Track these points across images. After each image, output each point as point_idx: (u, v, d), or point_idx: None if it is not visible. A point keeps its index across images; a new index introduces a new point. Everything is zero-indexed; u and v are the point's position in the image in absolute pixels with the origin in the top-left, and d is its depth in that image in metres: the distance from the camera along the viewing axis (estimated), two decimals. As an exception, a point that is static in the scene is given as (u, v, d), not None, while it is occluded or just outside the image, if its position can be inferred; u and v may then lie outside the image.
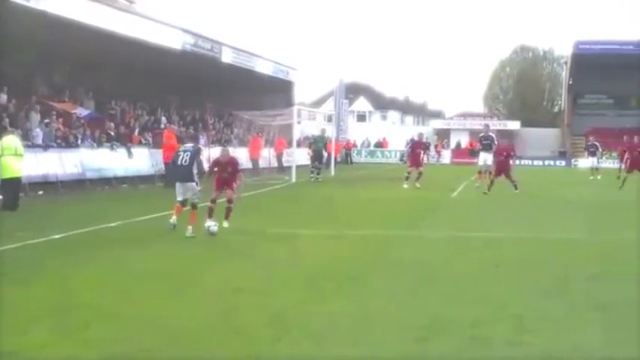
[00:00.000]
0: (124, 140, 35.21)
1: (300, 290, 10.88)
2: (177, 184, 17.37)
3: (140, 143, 37.24)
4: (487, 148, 32.33)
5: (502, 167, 28.22)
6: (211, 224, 16.74)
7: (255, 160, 43.38)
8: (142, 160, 34.96)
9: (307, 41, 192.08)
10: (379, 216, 21.70)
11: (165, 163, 32.37)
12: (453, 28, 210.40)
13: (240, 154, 42.92)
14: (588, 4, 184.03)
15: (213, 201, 17.58)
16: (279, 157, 47.42)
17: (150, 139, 38.36)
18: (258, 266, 13.00)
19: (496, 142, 32.47)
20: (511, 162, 29.15)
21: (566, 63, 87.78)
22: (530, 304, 10.12)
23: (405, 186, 32.53)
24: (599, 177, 40.60)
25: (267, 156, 46.78)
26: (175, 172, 17.78)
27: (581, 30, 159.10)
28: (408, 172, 33.71)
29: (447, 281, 11.74)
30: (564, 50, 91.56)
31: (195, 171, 17.10)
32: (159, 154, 33.80)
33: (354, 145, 74.50)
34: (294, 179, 37.21)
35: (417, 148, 34.66)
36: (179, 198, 17.24)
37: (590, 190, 33.29)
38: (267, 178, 37.90)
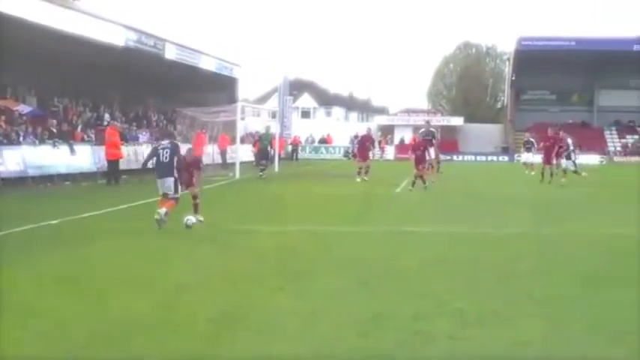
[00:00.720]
0: (67, 137, 34.90)
1: (244, 286, 10.86)
2: (158, 181, 17.54)
3: (83, 140, 37.00)
4: (428, 143, 33.09)
5: (418, 162, 28.48)
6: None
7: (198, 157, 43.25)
8: (84, 158, 34.66)
9: (251, 38, 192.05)
10: (324, 212, 21.79)
11: (108, 161, 32.23)
12: (397, 24, 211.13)
13: (184, 152, 42.90)
14: (531, 0, 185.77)
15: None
16: (222, 154, 47.39)
17: (92, 136, 38.13)
18: (202, 263, 12.99)
19: (438, 137, 33.35)
20: (428, 157, 29.79)
21: (509, 59, 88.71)
22: (472, 299, 10.18)
23: (358, 180, 33.22)
24: (532, 172, 41.16)
25: (210, 152, 46.71)
26: (158, 169, 17.71)
27: (524, 26, 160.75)
28: (360, 167, 34.43)
29: (390, 276, 11.78)
30: (507, 46, 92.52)
31: (175, 166, 17.40)
32: (101, 151, 33.63)
33: (300, 142, 74.53)
34: (237, 176, 37.18)
35: (366, 142, 35.62)
36: (161, 192, 17.48)
37: (528, 186, 33.72)
38: (211, 174, 37.78)
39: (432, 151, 33.60)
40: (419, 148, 29.55)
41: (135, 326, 8.56)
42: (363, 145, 36.37)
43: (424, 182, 28.34)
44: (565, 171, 33.69)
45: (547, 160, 35.70)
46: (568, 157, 33.59)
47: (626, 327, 8.72)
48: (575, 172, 33.39)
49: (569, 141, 35.05)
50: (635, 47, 76.05)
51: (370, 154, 36.16)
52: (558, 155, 34.53)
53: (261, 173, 37.11)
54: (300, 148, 72.55)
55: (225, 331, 8.51)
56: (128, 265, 12.72)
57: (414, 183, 28.28)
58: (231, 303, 9.79)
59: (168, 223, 16.71)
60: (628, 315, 9.30)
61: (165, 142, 18.20)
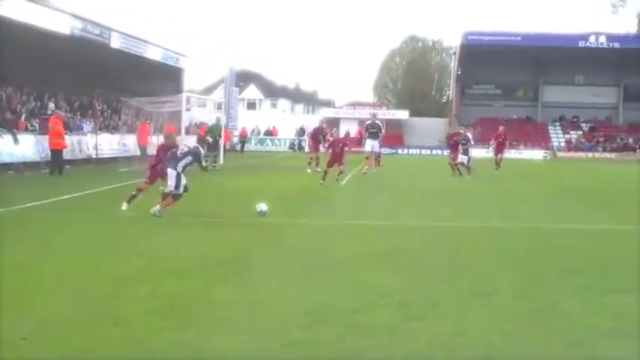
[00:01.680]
0: (10, 126, 34.50)
1: (187, 278, 10.79)
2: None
3: (27, 129, 36.58)
4: (373, 135, 33.63)
5: (336, 158, 28.61)
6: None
7: (143, 147, 42.90)
8: (28, 147, 34.27)
9: (198, 28, 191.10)
10: (269, 204, 21.80)
11: (52, 150, 31.92)
12: (344, 17, 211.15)
13: (129, 141, 42.74)
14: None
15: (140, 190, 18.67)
16: (166, 144, 47.05)
17: (37, 125, 37.75)
18: (145, 254, 12.81)
19: (382, 131, 34.03)
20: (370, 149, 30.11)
21: (454, 53, 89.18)
22: (415, 291, 10.26)
23: (309, 170, 33.55)
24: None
25: (155, 143, 46.32)
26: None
27: (470, 21, 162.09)
28: (310, 158, 34.92)
29: (332, 268, 11.82)
30: (453, 41, 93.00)
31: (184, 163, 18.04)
32: (45, 140, 33.29)
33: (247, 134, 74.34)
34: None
35: (318, 134, 36.27)
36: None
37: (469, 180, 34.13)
38: (155, 165, 37.58)
39: (376, 143, 34.21)
40: (338, 144, 29.54)
41: (74, 320, 8.47)
42: (315, 137, 37.20)
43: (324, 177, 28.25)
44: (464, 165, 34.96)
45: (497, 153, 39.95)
46: (465, 153, 34.73)
47: (565, 321, 8.93)
48: (467, 167, 34.61)
49: (469, 136, 37.29)
50: (580, 43, 76.99)
51: (320, 147, 36.43)
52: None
53: (214, 164, 36.99)
54: (247, 140, 72.27)
55: (167, 322, 8.44)
56: (70, 256, 12.53)
57: (324, 177, 28.06)
58: (173, 294, 9.74)
59: (113, 212, 16.72)
60: (568, 308, 9.51)
61: (193, 146, 19.64)
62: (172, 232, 15.59)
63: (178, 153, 18.10)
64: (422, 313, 9.11)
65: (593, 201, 24.97)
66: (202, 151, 19.48)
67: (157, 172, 18.86)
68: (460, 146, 34.66)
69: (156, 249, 13.42)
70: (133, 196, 18.44)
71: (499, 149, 40.70)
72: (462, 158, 34.56)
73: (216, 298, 9.70)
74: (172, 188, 17.65)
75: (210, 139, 37.84)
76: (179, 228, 16.20)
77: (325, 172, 28.30)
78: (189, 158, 18.17)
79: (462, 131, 38.97)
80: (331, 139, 33.64)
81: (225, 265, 11.95)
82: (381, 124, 35.93)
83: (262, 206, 17.95)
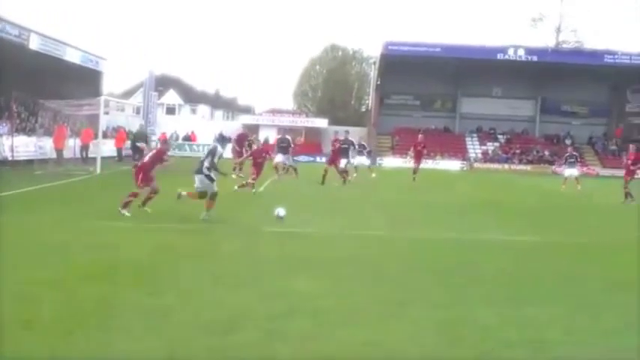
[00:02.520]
0: None
1: (99, 282, 10.71)
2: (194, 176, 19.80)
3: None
4: (283, 150, 34.64)
5: (259, 169, 28.81)
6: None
7: (59, 151, 42.42)
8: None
9: (118, 32, 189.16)
10: (184, 209, 21.70)
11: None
12: (265, 24, 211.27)
13: (46, 144, 42.19)
14: (398, 6, 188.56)
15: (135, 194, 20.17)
16: (84, 148, 46.56)
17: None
18: (57, 259, 12.71)
19: (292, 145, 35.10)
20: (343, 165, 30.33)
21: (374, 63, 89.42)
22: (333, 299, 10.35)
23: (234, 176, 33.63)
24: (373, 175, 43.52)
25: (72, 146, 45.92)
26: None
27: (391, 31, 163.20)
28: (235, 164, 35.21)
29: (247, 275, 11.88)
30: (374, 51, 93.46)
31: (206, 164, 19.47)
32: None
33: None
34: (98, 171, 36.67)
35: (242, 140, 36.85)
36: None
37: (396, 189, 34.45)
38: (71, 169, 37.31)
39: (286, 157, 34.92)
40: (260, 155, 29.61)
41: None
42: (240, 142, 37.80)
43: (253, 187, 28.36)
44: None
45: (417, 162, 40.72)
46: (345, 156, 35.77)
47: (477, 332, 9.14)
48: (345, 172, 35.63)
49: (352, 140, 38.96)
50: (499, 56, 77.86)
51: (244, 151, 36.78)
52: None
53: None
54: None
55: (77, 327, 8.40)
56: None
57: (244, 185, 28.19)
58: (85, 299, 9.69)
59: (27, 216, 16.64)
60: (481, 319, 9.73)
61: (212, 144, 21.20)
62: (86, 237, 15.37)
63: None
64: (337, 321, 9.18)
65: (506, 212, 25.44)
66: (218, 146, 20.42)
67: (149, 177, 20.40)
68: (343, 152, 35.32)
69: (62, 254, 13.26)
70: (128, 203, 19.58)
71: (418, 158, 41.16)
72: (342, 162, 35.10)
73: (128, 303, 9.65)
74: (202, 189, 19.49)
75: (138, 145, 37.63)
76: (94, 233, 15.99)
77: (254, 180, 28.39)
78: (209, 158, 19.47)
79: (341, 137, 38.25)
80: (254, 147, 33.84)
81: (139, 270, 11.92)
82: (290, 139, 36.69)
83: (281, 211, 19.00)
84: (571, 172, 40.08)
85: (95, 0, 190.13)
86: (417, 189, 34.65)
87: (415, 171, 40.18)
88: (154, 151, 21.75)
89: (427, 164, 48.45)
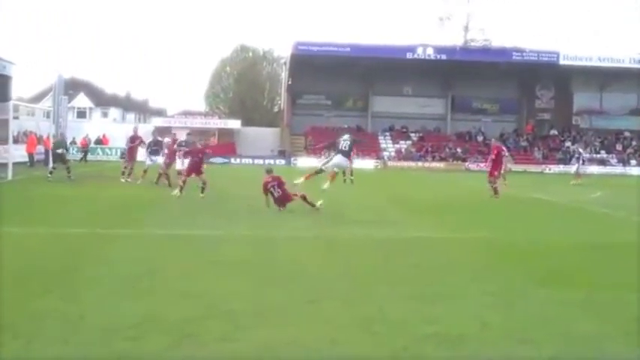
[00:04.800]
0: None
1: (7, 289, 10.38)
2: (340, 159, 24.31)
3: None
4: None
5: (194, 168, 27.96)
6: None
7: (-32, 156, 41.48)
8: None
9: (25, 36, 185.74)
10: (100, 213, 21.24)
11: None
12: (175, 25, 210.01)
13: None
14: (308, 5, 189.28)
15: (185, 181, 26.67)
16: (-9, 155, 45.51)
17: None
18: None
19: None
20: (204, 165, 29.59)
21: (285, 63, 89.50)
22: (245, 300, 10.19)
23: (122, 180, 33.19)
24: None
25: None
26: (341, 153, 24.36)
27: (300, 31, 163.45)
28: (125, 167, 34.56)
29: (159, 278, 11.68)
30: (284, 51, 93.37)
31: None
32: None
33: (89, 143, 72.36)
34: (10, 177, 35.65)
35: (135, 142, 35.83)
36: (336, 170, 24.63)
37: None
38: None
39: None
40: (197, 155, 28.84)
41: None
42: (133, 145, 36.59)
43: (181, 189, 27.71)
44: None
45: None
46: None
47: (391, 328, 9.07)
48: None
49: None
50: (408, 55, 78.43)
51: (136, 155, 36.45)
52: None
53: (69, 175, 35.77)
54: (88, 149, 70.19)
55: None
56: None
57: (182, 189, 27.41)
58: None
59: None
60: (394, 315, 9.69)
61: (347, 136, 25.20)
62: None
63: None
64: (250, 322, 9.05)
65: (418, 209, 25.46)
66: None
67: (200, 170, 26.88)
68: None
69: None
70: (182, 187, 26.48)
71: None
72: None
73: (37, 309, 9.36)
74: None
75: (59, 152, 36.55)
76: (6, 240, 15.40)
77: (184, 182, 27.53)
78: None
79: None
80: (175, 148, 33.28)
81: (48, 276, 11.57)
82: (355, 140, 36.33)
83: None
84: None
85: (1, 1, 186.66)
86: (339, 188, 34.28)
87: (345, 172, 39.40)
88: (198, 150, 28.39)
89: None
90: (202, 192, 27.07)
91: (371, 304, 10.19)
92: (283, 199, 22.95)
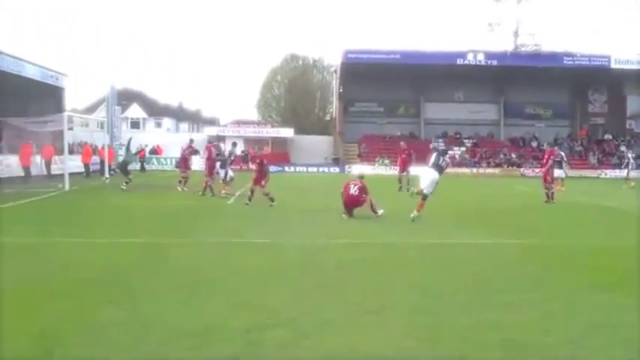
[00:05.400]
0: None
1: (70, 299, 10.50)
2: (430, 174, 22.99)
3: None
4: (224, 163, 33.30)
5: (262, 176, 27.85)
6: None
7: (26, 168, 41.82)
8: None
9: (78, 47, 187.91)
10: (155, 224, 21.28)
11: None
12: (226, 35, 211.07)
13: (12, 162, 41.37)
14: (357, 14, 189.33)
15: (252, 191, 27.58)
16: (47, 165, 45.86)
17: None
18: (22, 276, 12.47)
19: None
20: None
21: (335, 72, 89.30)
22: (306, 309, 10.22)
23: (179, 189, 33.97)
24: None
25: (39, 163, 45.25)
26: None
27: (350, 39, 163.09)
28: (182, 177, 35.69)
29: (220, 287, 11.71)
30: (334, 59, 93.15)
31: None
32: None
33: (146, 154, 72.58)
34: (67, 187, 35.85)
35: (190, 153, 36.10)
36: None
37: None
38: (39, 185, 36.55)
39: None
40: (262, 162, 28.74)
41: None
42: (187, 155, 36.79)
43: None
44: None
45: (402, 170, 40.05)
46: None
47: (454, 336, 9.09)
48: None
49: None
50: (459, 61, 77.90)
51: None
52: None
53: (123, 186, 36.10)
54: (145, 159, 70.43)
55: (55, 346, 8.24)
56: None
57: (250, 198, 27.66)
58: (57, 317, 9.51)
59: None
60: (457, 323, 9.68)
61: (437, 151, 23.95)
62: (47, 252, 15.22)
63: None
64: (313, 331, 9.12)
65: (474, 216, 25.34)
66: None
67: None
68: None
69: (33, 271, 13.06)
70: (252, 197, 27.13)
71: (404, 166, 40.04)
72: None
73: (99, 319, 9.50)
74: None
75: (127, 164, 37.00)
76: (57, 249, 15.75)
77: (252, 192, 27.85)
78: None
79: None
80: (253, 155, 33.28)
81: (109, 285, 11.73)
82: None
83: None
84: (558, 173, 39.44)
85: (54, 16, 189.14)
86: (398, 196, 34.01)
87: (401, 180, 39.32)
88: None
89: (394, 171, 47.95)
90: (272, 201, 27.36)
91: (431, 312, 10.21)
92: (354, 200, 23.29)
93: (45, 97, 53.42)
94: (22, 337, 8.48)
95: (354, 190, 23.34)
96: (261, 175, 27.83)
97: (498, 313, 10.17)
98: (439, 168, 23.07)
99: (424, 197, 22.73)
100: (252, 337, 8.68)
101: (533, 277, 13.25)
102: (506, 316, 10.02)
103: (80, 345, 8.23)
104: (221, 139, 68.63)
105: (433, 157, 23.35)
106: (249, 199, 27.65)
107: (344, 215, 22.94)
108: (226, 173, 32.45)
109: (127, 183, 35.13)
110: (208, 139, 35.74)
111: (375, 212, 23.28)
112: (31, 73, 52.80)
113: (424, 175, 23.13)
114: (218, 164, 32.80)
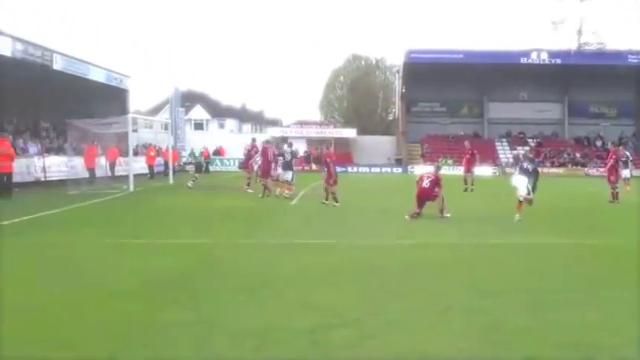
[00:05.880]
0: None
1: (135, 300, 10.58)
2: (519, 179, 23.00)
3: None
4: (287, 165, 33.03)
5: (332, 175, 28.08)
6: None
7: (91, 169, 42.37)
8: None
9: (142, 49, 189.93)
10: (217, 224, 21.44)
11: (1, 173, 30.81)
12: (289, 36, 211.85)
13: (77, 163, 41.97)
14: (419, 13, 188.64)
15: (326, 190, 28.09)
16: (111, 166, 46.42)
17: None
18: (94, 276, 12.60)
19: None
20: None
21: (398, 72, 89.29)
22: (370, 309, 10.16)
23: (251, 191, 32.88)
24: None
25: (104, 165, 45.82)
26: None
27: (412, 39, 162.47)
28: (249, 178, 35.13)
29: (284, 288, 11.68)
30: (396, 59, 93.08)
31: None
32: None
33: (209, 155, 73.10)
34: (132, 188, 36.32)
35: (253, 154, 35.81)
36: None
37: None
38: (104, 187, 37.02)
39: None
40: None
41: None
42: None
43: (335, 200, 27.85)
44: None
45: (467, 170, 40.38)
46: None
47: (516, 336, 8.99)
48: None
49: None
50: (522, 60, 77.47)
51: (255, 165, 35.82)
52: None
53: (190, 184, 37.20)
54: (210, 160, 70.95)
55: (120, 347, 8.28)
56: (17, 279, 12.23)
57: (327, 197, 27.96)
58: (123, 318, 9.58)
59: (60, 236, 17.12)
60: (518, 323, 9.56)
61: (526, 164, 23.37)
62: (112, 255, 15.24)
63: None
64: (378, 331, 9.02)
65: (537, 215, 24.57)
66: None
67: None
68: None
69: (99, 272, 13.14)
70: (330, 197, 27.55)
71: (468, 166, 40.21)
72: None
73: (165, 320, 9.52)
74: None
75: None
76: (122, 250, 15.87)
77: (326, 191, 28.19)
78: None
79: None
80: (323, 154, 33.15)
81: (173, 286, 11.77)
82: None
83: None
84: (625, 173, 38.90)
85: (116, 19, 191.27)
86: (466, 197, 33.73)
87: (466, 180, 39.31)
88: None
89: (459, 171, 47.82)
90: (336, 201, 27.53)
91: (496, 312, 10.11)
92: (426, 193, 23.45)
93: (109, 99, 54.00)
94: (89, 338, 8.55)
95: (426, 183, 23.42)
96: (331, 174, 28.00)
97: (562, 313, 10.05)
98: (527, 172, 22.98)
99: (528, 198, 22.78)
100: (316, 337, 8.64)
101: (595, 277, 13.13)
102: (569, 316, 9.88)
103: (145, 345, 8.30)
104: (284, 140, 68.98)
105: (520, 164, 23.48)
106: (326, 199, 27.95)
107: (407, 217, 22.88)
108: (292, 174, 32.36)
109: (193, 181, 35.75)
110: (265, 140, 35.62)
111: (442, 213, 23.26)
112: (96, 75, 53.54)
113: (516, 182, 23.02)
114: (280, 165, 32.65)
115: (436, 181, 23.46)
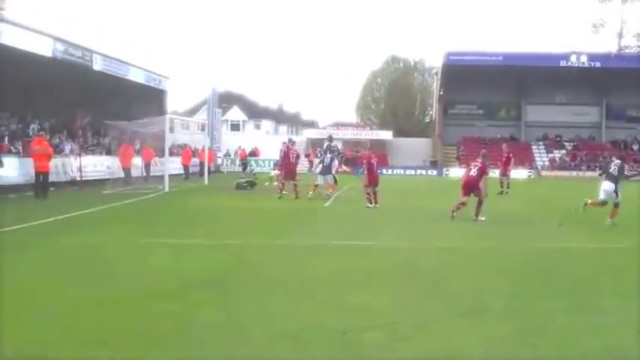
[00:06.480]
0: (-6, 149, 34.12)
1: (169, 300, 10.63)
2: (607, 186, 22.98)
3: (10, 152, 36.08)
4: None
5: (374, 178, 28.46)
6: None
7: (127, 169, 42.76)
8: (11, 169, 33.70)
9: (180, 50, 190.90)
10: (247, 225, 21.55)
11: (36, 172, 31.36)
12: (326, 38, 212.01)
13: (113, 163, 42.48)
14: (458, 15, 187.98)
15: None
16: (147, 166, 46.76)
17: (20, 148, 37.33)
18: (128, 276, 12.70)
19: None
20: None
21: (436, 74, 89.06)
22: (403, 312, 10.16)
23: (285, 192, 32.92)
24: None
25: (139, 165, 46.22)
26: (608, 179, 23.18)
27: (451, 41, 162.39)
28: (282, 183, 34.49)
29: (317, 289, 11.71)
30: (435, 61, 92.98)
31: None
32: (29, 163, 32.71)
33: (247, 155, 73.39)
34: (167, 188, 36.73)
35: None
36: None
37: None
38: (139, 187, 37.48)
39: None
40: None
41: (54, 344, 8.42)
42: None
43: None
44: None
45: (503, 172, 40.60)
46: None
47: (553, 341, 8.92)
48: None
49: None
50: (562, 62, 77.11)
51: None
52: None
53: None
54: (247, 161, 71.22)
55: (154, 345, 8.41)
56: (49, 278, 12.50)
57: (371, 201, 28.16)
58: (160, 316, 9.68)
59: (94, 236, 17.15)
60: (555, 327, 9.51)
61: (617, 161, 24.05)
62: (147, 255, 15.38)
63: None
64: (411, 334, 9.01)
65: (572, 219, 24.56)
66: None
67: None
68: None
69: (133, 272, 13.27)
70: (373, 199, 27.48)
71: (505, 168, 40.44)
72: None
73: (198, 320, 9.58)
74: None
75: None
76: (156, 250, 16.00)
77: (369, 194, 28.29)
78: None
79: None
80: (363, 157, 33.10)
81: (206, 287, 11.82)
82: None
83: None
84: None
85: (157, 21, 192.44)
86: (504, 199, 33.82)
87: (502, 183, 39.46)
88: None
89: (494, 174, 47.65)
90: (376, 203, 27.97)
91: (531, 316, 10.07)
92: (472, 182, 23.69)
93: (148, 99, 54.54)
94: (123, 338, 8.61)
95: (473, 172, 23.69)
96: (372, 175, 28.31)
97: (598, 318, 10.01)
98: (613, 178, 23.04)
99: (602, 203, 23.08)
100: (348, 339, 8.64)
101: (634, 281, 12.93)
102: (606, 321, 9.80)
103: (178, 346, 8.35)
104: (330, 139, 69.12)
105: (610, 169, 23.48)
106: (370, 202, 28.05)
107: (450, 212, 23.14)
108: (334, 175, 32.49)
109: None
110: (289, 140, 35.31)
111: (477, 215, 23.29)
112: (135, 76, 54.13)
113: (602, 187, 23.18)
114: (320, 166, 32.62)
115: (483, 169, 23.59)
